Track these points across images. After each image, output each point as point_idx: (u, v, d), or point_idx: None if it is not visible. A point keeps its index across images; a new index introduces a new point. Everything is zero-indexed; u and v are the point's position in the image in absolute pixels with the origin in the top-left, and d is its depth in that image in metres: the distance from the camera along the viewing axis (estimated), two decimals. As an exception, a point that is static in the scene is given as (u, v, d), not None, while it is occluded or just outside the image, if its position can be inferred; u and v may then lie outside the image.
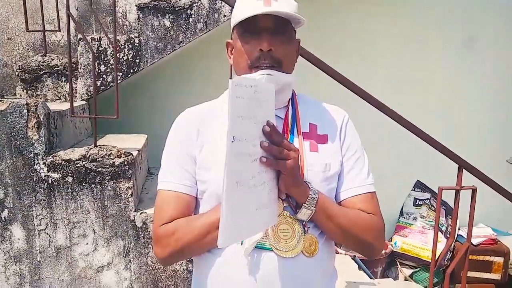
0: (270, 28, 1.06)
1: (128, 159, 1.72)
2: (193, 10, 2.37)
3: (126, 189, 1.71)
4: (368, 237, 1.12)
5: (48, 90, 2.35)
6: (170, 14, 2.36)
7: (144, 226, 1.74)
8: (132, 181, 1.72)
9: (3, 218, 1.68)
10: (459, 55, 3.27)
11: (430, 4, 3.18)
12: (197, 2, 2.36)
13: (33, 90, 2.33)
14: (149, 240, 1.75)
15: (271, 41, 1.05)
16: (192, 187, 1.14)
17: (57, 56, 2.36)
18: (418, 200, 3.29)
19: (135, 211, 1.74)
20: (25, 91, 2.32)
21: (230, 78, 1.84)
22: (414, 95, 3.21)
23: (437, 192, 3.06)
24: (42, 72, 2.31)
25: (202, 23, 2.39)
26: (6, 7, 2.83)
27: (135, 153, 1.86)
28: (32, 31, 2.48)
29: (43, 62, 2.31)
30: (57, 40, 2.86)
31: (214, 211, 1.06)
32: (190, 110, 1.21)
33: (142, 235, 1.75)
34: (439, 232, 3.13)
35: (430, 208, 3.25)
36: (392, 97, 3.01)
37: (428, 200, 3.25)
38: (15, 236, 1.69)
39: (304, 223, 1.06)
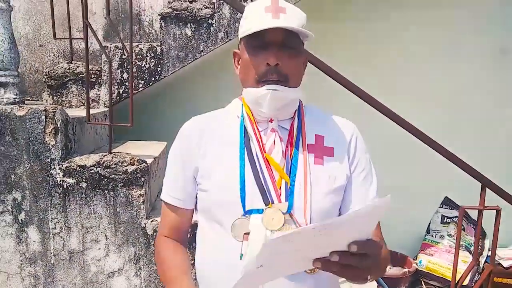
0: (278, 42, 1.04)
1: (141, 166, 1.73)
2: (214, 20, 2.38)
3: (138, 196, 1.73)
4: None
5: (73, 96, 2.42)
6: (191, 24, 2.38)
7: (154, 234, 1.75)
8: (144, 189, 1.73)
9: (20, 220, 1.72)
10: (491, 68, 3.14)
11: (462, 14, 3.07)
12: (218, 12, 2.38)
13: (58, 96, 2.40)
14: (159, 248, 1.75)
15: (279, 55, 1.03)
16: (185, 200, 1.16)
17: (82, 64, 2.42)
18: (446, 218, 3.16)
19: (146, 219, 1.75)
20: (51, 96, 2.40)
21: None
22: (441, 107, 3.11)
23: (467, 209, 2.96)
24: (67, 79, 2.38)
25: (223, 33, 2.40)
26: (38, 15, 2.94)
27: (150, 160, 1.88)
28: (59, 38, 2.56)
29: (69, 69, 2.38)
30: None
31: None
32: (195, 119, 1.22)
33: (153, 243, 1.75)
34: (467, 253, 3.01)
35: (461, 225, 3.11)
36: (417, 108, 2.97)
37: (457, 218, 3.11)
38: (31, 238, 1.74)
39: None
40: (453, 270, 1.87)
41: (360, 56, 2.98)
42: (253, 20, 1.06)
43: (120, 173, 1.71)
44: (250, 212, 1.04)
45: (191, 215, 1.20)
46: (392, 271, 2.96)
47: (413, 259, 3.09)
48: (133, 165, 1.72)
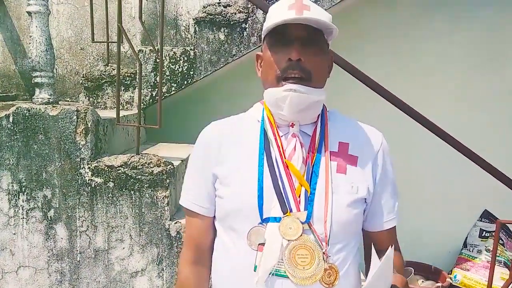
0: (301, 38, 1.00)
1: (166, 168, 1.74)
2: (247, 24, 2.38)
3: (163, 198, 1.74)
4: None
5: (108, 98, 2.48)
6: (225, 28, 2.39)
7: (177, 235, 1.75)
8: (169, 190, 1.74)
9: (49, 217, 1.77)
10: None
11: (504, 22, 2.92)
12: (252, 16, 2.38)
13: (94, 98, 2.47)
14: (181, 250, 1.75)
15: (302, 51, 0.99)
16: (206, 207, 1.13)
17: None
18: (484, 232, 3.01)
19: (170, 220, 1.76)
20: (87, 98, 2.47)
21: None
22: (482, 114, 2.97)
23: (507, 224, 2.80)
24: (103, 81, 2.45)
25: (256, 37, 2.39)
26: (80, 19, 3.04)
27: (177, 162, 1.89)
28: (97, 42, 2.63)
29: (105, 71, 2.45)
30: (124, 51, 3.01)
31: None
32: (215, 124, 1.20)
33: (176, 245, 1.76)
34: (505, 269, 2.85)
35: (498, 241, 2.95)
36: (456, 116, 2.85)
37: (496, 233, 2.96)
38: (59, 235, 1.78)
39: (324, 250, 0.99)
40: (488, 286, 1.76)
41: (395, 64, 2.90)
42: (276, 17, 1.03)
43: (146, 174, 1.73)
44: (267, 220, 1.00)
45: (213, 225, 1.17)
46: (425, 284, 2.85)
47: (448, 273, 2.96)
48: (159, 166, 1.74)
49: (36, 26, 1.73)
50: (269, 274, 0.97)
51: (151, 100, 2.46)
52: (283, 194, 1.02)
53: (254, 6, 2.34)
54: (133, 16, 3.06)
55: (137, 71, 1.90)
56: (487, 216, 3.02)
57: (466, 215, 2.99)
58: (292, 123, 1.08)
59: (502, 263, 2.85)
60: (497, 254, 2.86)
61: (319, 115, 1.11)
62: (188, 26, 3.07)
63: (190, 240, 1.20)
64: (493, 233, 2.97)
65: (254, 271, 1.00)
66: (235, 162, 1.09)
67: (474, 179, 2.79)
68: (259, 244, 1.01)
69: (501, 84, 2.96)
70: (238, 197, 1.05)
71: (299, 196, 1.02)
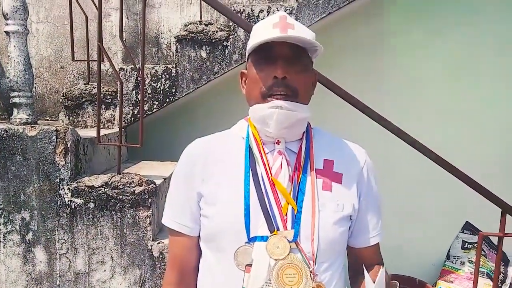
0: (286, 56, 1.01)
1: (149, 187, 1.72)
2: (229, 42, 2.40)
3: (145, 217, 1.71)
4: None
5: (89, 116, 2.45)
6: (207, 46, 2.40)
7: (160, 256, 1.72)
8: (151, 210, 1.72)
9: (28, 241, 1.73)
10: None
11: (485, 35, 3.00)
12: (233, 34, 2.39)
13: (74, 117, 2.44)
14: (164, 271, 1.72)
15: (287, 69, 1.00)
16: (189, 227, 1.12)
17: (99, 85, 2.46)
18: (467, 243, 3.03)
19: (152, 241, 1.73)
20: (67, 117, 2.44)
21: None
22: (460, 128, 3.02)
23: (488, 236, 2.84)
24: (84, 100, 2.42)
25: (237, 55, 2.40)
26: (60, 38, 3.03)
27: (159, 181, 1.87)
28: (78, 60, 2.61)
29: (85, 90, 2.42)
30: (105, 70, 3.00)
31: None
32: (198, 141, 1.18)
33: (159, 265, 1.73)
34: (489, 280, 2.87)
35: (481, 253, 2.98)
36: (435, 129, 2.90)
37: (478, 244, 2.99)
38: (37, 259, 1.73)
39: (312, 269, 0.99)
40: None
41: (375, 79, 2.94)
42: (260, 36, 1.03)
43: (128, 194, 1.71)
44: (254, 239, 1.00)
45: (197, 245, 1.15)
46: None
47: (432, 286, 2.97)
48: (141, 186, 1.71)
49: (14, 46, 1.70)
50: None
51: (132, 119, 2.44)
52: (270, 213, 1.01)
53: (235, 24, 2.35)
54: (114, 35, 3.06)
55: (118, 89, 1.89)
56: (468, 228, 3.05)
57: (448, 227, 3.02)
58: (278, 140, 1.08)
59: (485, 274, 2.88)
60: (480, 266, 2.90)
61: (304, 132, 1.11)
62: (170, 44, 3.08)
63: (174, 260, 1.18)
64: (475, 245, 3.01)
65: None
66: (220, 180, 1.08)
67: (455, 191, 2.83)
68: (246, 265, 1.00)
69: (478, 97, 3.02)
70: (224, 216, 1.04)
71: (286, 215, 1.02)
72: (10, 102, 1.79)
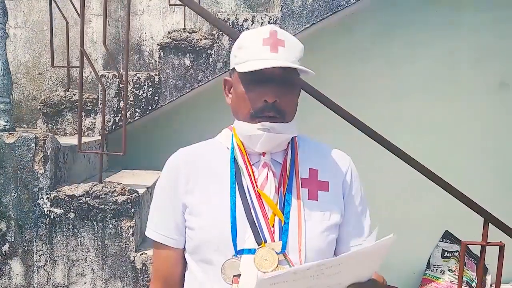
0: (276, 78, 0.99)
1: (132, 197, 1.68)
2: (213, 50, 2.38)
3: (128, 228, 1.67)
4: None
5: (68, 124, 2.39)
6: (190, 54, 2.38)
7: (143, 268, 1.68)
8: (134, 220, 1.67)
9: (4, 252, 1.66)
10: (491, 100, 3.12)
11: (461, 45, 3.08)
12: (218, 43, 2.38)
13: (53, 124, 2.37)
14: (147, 283, 1.68)
15: (277, 92, 0.98)
16: (174, 239, 1.09)
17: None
18: (446, 252, 3.07)
19: (135, 252, 1.69)
20: (45, 124, 2.37)
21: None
22: (440, 139, 3.08)
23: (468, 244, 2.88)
24: (63, 107, 2.36)
25: (221, 63, 2.39)
26: (39, 44, 2.96)
27: (142, 190, 1.83)
28: (57, 66, 2.55)
29: (65, 97, 2.37)
30: (85, 76, 2.94)
31: None
32: (182, 151, 1.15)
33: (141, 277, 1.68)
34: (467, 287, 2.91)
35: (464, 262, 3.02)
36: (416, 140, 2.94)
37: (457, 253, 3.02)
38: (14, 271, 1.67)
39: None
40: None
41: (357, 88, 2.97)
42: (250, 53, 1.01)
43: (110, 204, 1.66)
44: (241, 252, 0.97)
45: (183, 257, 1.13)
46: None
47: (414, 295, 3.00)
48: (123, 195, 1.67)
49: (-7, 50, 1.65)
50: None
51: (113, 126, 2.39)
52: (257, 224, 0.99)
53: (220, 33, 2.35)
54: (95, 41, 3.01)
55: (101, 96, 1.85)
56: (448, 237, 3.09)
57: (428, 236, 3.05)
58: (264, 152, 1.06)
59: (465, 283, 2.91)
60: (459, 274, 2.93)
61: (289, 142, 1.10)
62: (152, 51, 3.05)
63: (158, 273, 1.15)
64: (455, 254, 3.05)
65: None
66: (205, 191, 1.06)
67: (435, 200, 2.87)
68: (234, 276, 0.97)
69: (455, 107, 3.09)
70: (210, 228, 1.02)
71: (273, 226, 1.00)
72: (-13, 108, 1.73)
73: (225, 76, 1.15)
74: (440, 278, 3.01)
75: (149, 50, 3.05)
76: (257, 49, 1.00)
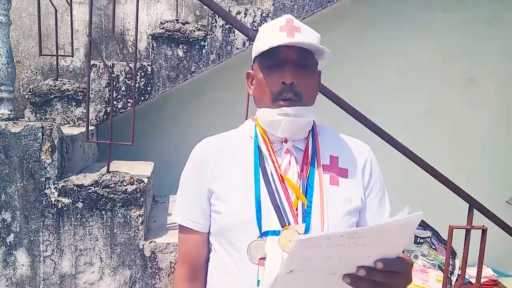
0: (293, 61, 1.06)
1: (140, 186, 1.70)
2: (206, 42, 2.41)
3: (137, 217, 1.68)
4: None
5: (57, 114, 2.34)
6: (183, 45, 2.39)
7: (152, 256, 1.70)
8: (143, 209, 1.69)
9: (8, 243, 1.63)
10: (459, 94, 3.34)
11: (432, 44, 3.26)
12: (211, 35, 2.41)
13: (42, 114, 2.32)
14: (156, 271, 1.71)
15: (294, 74, 1.05)
16: (200, 223, 1.14)
17: (69, 81, 2.36)
18: (419, 238, 3.26)
19: (144, 240, 1.70)
20: (34, 114, 2.31)
21: (247, 108, 1.86)
22: (413, 132, 3.25)
23: (437, 230, 3.07)
24: (52, 96, 2.31)
25: (215, 55, 2.42)
26: (17, 31, 2.86)
27: (145, 180, 1.84)
28: (46, 55, 2.49)
29: (54, 86, 2.31)
30: (66, 65, 2.89)
31: None
32: (207, 140, 1.21)
33: (150, 265, 1.71)
34: (440, 271, 3.11)
35: (431, 247, 3.22)
36: (392, 133, 3.08)
37: (429, 238, 3.22)
38: (19, 262, 1.64)
39: None
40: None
41: (335, 83, 3.08)
42: (268, 39, 1.07)
43: (120, 193, 1.67)
44: (266, 233, 1.04)
45: (208, 241, 1.18)
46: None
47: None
48: (132, 184, 1.68)
49: (-3, 37, 1.61)
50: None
51: (105, 116, 2.37)
52: (281, 208, 1.06)
53: (213, 24, 2.37)
54: (76, 29, 2.95)
55: (111, 84, 1.84)
56: (421, 223, 3.28)
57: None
58: (286, 139, 1.13)
59: (437, 266, 3.11)
60: (431, 258, 3.13)
61: (309, 130, 1.17)
62: (137, 41, 3.01)
63: (185, 257, 1.20)
64: (427, 239, 3.24)
65: (258, 285, 1.02)
66: (231, 178, 1.12)
67: (410, 187, 3.05)
68: (260, 259, 1.03)
69: (429, 100, 3.27)
70: (237, 212, 1.08)
71: (296, 209, 1.06)
72: (-10, 96, 1.68)
73: (248, 70, 1.21)
74: (413, 262, 3.19)
75: (133, 39, 3.02)
76: (274, 35, 1.06)
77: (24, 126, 1.60)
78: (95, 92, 2.33)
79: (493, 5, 3.26)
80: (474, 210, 1.90)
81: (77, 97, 2.33)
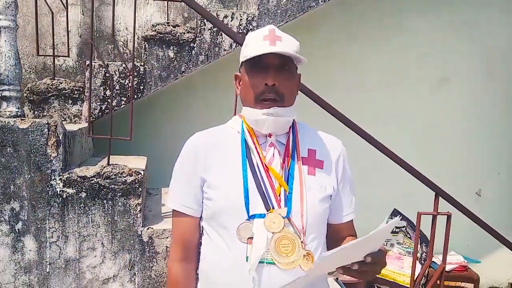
0: (275, 65, 1.23)
1: (138, 177, 1.85)
2: (195, 44, 2.57)
3: (136, 205, 1.84)
4: None
5: (55, 111, 2.47)
6: (174, 46, 2.54)
7: (150, 241, 1.86)
8: (141, 198, 1.85)
9: (17, 230, 1.77)
10: (434, 93, 3.57)
11: (409, 45, 3.48)
12: (200, 37, 2.57)
13: (39, 111, 2.45)
14: (153, 255, 1.87)
15: (276, 77, 1.21)
16: (193, 208, 1.30)
17: (65, 80, 2.50)
18: (395, 228, 3.48)
19: (142, 227, 1.86)
20: (32, 111, 2.44)
21: (235, 106, 2.04)
22: (391, 129, 3.46)
23: (412, 221, 3.29)
24: (50, 95, 2.44)
25: (203, 56, 2.58)
26: (12, 31, 2.96)
27: (142, 172, 2.00)
28: (43, 55, 2.61)
29: (52, 85, 2.44)
30: (59, 65, 3.00)
31: None
32: (198, 134, 1.37)
33: (148, 249, 1.87)
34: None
35: (406, 236, 3.45)
36: (370, 130, 3.29)
37: (405, 228, 3.44)
38: (27, 248, 1.79)
39: (302, 239, 1.21)
40: (412, 270, 2.14)
41: (317, 82, 3.27)
42: (253, 47, 1.24)
43: (120, 184, 1.82)
44: (253, 216, 1.20)
45: (199, 225, 1.34)
46: (349, 277, 3.22)
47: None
48: (131, 176, 1.84)
49: (5, 41, 1.74)
50: (259, 262, 1.17)
51: (100, 114, 2.51)
52: (266, 194, 1.23)
53: (202, 27, 2.53)
54: (69, 30, 3.06)
55: (109, 83, 1.97)
56: (396, 214, 3.48)
57: (380, 215, 3.44)
58: (270, 134, 1.30)
59: (411, 254, 3.34)
60: (406, 246, 3.36)
61: (290, 126, 1.35)
62: (126, 41, 3.15)
63: (179, 239, 1.36)
64: (402, 228, 3.47)
65: (247, 261, 1.19)
66: (221, 168, 1.28)
67: (387, 179, 3.25)
68: (248, 238, 1.21)
69: (405, 100, 3.50)
70: (227, 198, 1.24)
71: (279, 195, 1.24)
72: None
73: (235, 71, 1.38)
74: (389, 250, 3.41)
75: (124, 40, 3.16)
76: (258, 43, 1.23)
77: (32, 123, 1.75)
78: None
79: (467, 8, 3.50)
80: (441, 199, 2.10)
81: (73, 96, 2.47)
